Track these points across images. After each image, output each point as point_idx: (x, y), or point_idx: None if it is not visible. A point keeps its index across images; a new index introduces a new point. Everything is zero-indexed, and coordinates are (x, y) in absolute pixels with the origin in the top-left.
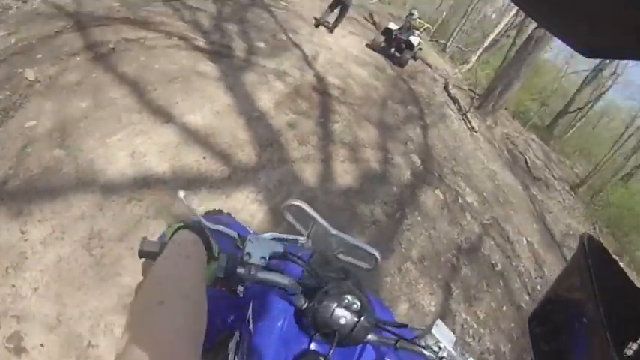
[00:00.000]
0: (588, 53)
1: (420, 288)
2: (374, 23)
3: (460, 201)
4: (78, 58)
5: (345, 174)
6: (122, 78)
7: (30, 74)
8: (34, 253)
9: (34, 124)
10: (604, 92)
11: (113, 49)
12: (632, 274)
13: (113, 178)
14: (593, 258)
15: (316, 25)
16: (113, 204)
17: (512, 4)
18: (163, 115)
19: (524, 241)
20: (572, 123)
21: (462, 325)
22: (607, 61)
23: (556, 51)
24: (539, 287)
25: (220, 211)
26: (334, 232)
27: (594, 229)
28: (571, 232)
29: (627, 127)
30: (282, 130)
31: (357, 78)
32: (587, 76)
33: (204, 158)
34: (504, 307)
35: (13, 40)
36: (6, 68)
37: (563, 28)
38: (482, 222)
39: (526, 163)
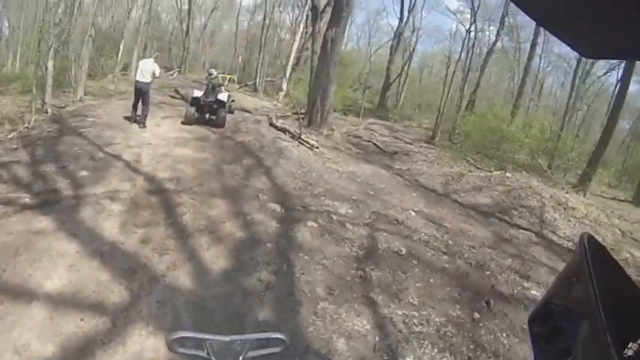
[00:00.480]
0: (588, 53)
1: (344, 318)
2: (182, 97)
3: (335, 217)
4: None
5: (216, 259)
6: None
7: None
8: None
9: None
10: (413, 50)
11: None
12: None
13: None
14: (592, 258)
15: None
16: None
17: (309, 19)
18: (24, 294)
19: (412, 213)
20: (400, 89)
21: (405, 322)
22: (404, 24)
23: (355, 37)
24: (450, 241)
25: None
26: (228, 338)
27: (467, 162)
28: (450, 178)
29: (448, 66)
30: (138, 250)
31: (185, 160)
32: (392, 44)
33: (82, 320)
34: (431, 280)
35: None
36: None
37: (563, 29)
38: (365, 222)
39: (376, 146)
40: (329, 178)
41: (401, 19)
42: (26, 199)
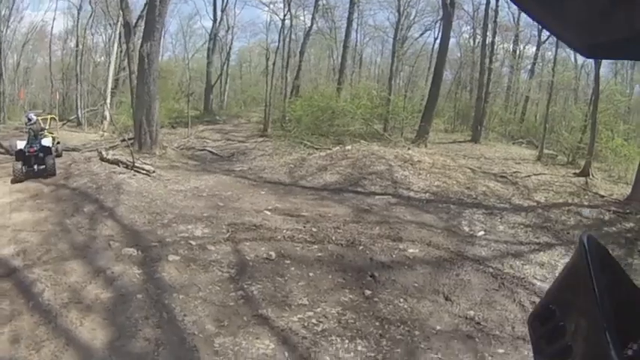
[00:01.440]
0: (588, 53)
1: (246, 346)
2: (6, 152)
3: (194, 243)
4: None
5: (93, 332)
6: None
7: None
8: None
9: None
10: (230, 48)
11: None
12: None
13: None
14: (593, 258)
15: None
16: None
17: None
18: None
19: (268, 213)
20: (222, 89)
21: (305, 326)
22: (218, 24)
23: (171, 46)
24: (313, 229)
25: None
26: None
27: (305, 145)
28: (293, 165)
29: (267, 57)
30: (11, 354)
31: (25, 226)
32: (209, 47)
33: None
34: (310, 274)
35: None
36: None
37: (563, 29)
38: (225, 238)
39: (212, 152)
40: (175, 202)
41: (214, 19)
42: None
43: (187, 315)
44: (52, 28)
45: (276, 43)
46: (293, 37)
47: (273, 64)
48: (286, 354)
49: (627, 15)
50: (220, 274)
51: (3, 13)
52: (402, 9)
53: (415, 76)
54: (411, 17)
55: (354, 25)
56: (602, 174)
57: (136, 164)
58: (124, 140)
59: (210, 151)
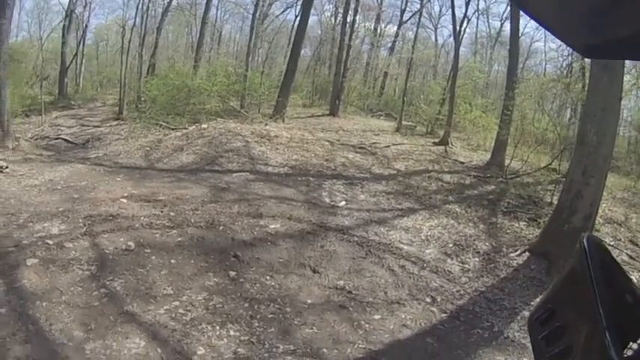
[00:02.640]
0: (588, 53)
1: (117, 347)
2: None
3: (50, 242)
4: None
5: None
6: None
7: None
8: None
9: None
10: (86, 26)
11: None
12: None
13: None
14: (593, 258)
15: None
16: None
17: None
18: None
19: (124, 201)
20: (78, 71)
21: (173, 317)
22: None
23: (26, 25)
24: (171, 213)
25: None
26: None
27: (161, 126)
28: (149, 148)
29: (123, 35)
30: None
31: None
32: (64, 25)
33: None
34: (172, 261)
35: None
36: None
37: (563, 29)
38: (82, 233)
39: (66, 141)
40: (29, 198)
41: None
42: None
43: (54, 323)
44: None
45: (133, 20)
46: (152, 13)
47: (129, 41)
48: (159, 350)
49: (627, 15)
50: (81, 273)
51: None
52: None
53: (274, 53)
54: None
55: (215, 1)
56: (461, 143)
57: None
58: None
59: (65, 139)
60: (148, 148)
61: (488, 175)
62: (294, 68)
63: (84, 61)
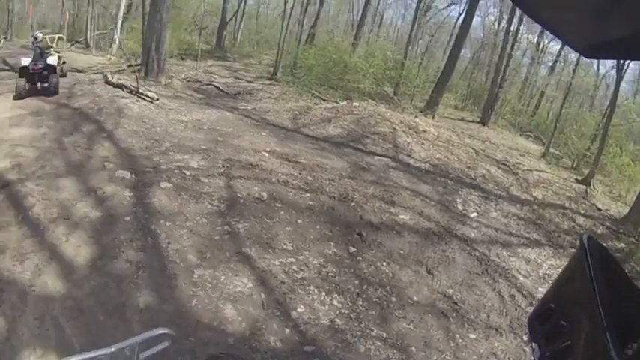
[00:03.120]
0: (589, 53)
1: (224, 281)
2: (11, 68)
3: (188, 173)
4: None
5: (78, 249)
6: None
7: None
8: None
9: None
10: None
11: None
12: None
13: None
14: (593, 258)
15: None
16: None
17: None
18: None
19: (266, 154)
20: (237, 27)
21: (285, 271)
22: None
23: None
24: (309, 178)
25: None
26: (114, 348)
27: (312, 94)
28: (298, 112)
29: (285, 2)
30: None
31: (23, 142)
32: None
33: None
34: (299, 221)
35: None
36: None
37: (564, 29)
38: (219, 172)
39: (218, 88)
40: (174, 131)
41: None
42: None
43: (171, 243)
44: None
45: None
46: None
47: (291, 8)
48: (262, 295)
49: (627, 15)
50: (209, 207)
51: None
52: None
53: (434, 47)
54: None
55: None
56: (603, 188)
57: (140, 90)
58: (130, 65)
59: (217, 87)
60: (296, 112)
61: (621, 230)
62: (452, 67)
63: (244, 19)
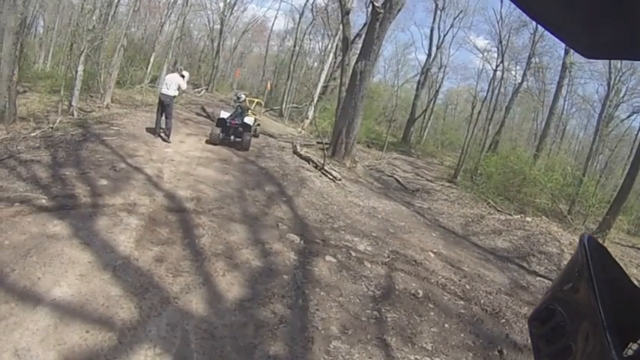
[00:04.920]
0: (588, 54)
1: (356, 359)
2: (208, 116)
3: (353, 254)
4: None
5: (231, 286)
6: None
7: None
8: None
9: None
10: (439, 87)
11: None
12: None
13: None
14: (593, 258)
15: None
16: None
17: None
18: (30, 297)
19: (432, 255)
20: (424, 125)
21: None
22: (432, 60)
23: (383, 70)
24: (467, 286)
25: None
26: None
27: (488, 203)
28: (470, 219)
29: (473, 105)
30: (151, 268)
31: (207, 181)
32: (419, 80)
33: (87, 332)
34: (446, 325)
35: None
36: None
37: (563, 29)
38: (383, 261)
39: (398, 182)
40: (350, 212)
41: (429, 54)
42: (43, 200)
43: (319, 310)
44: (273, 25)
45: (485, 93)
46: (502, 90)
47: (478, 113)
48: None
49: (627, 15)
50: (365, 290)
51: (228, 0)
52: (612, 82)
53: (613, 162)
54: (621, 94)
55: (563, 91)
56: None
57: (325, 167)
58: (320, 142)
59: (397, 180)
60: (469, 219)
61: None
62: (630, 186)
63: (431, 117)
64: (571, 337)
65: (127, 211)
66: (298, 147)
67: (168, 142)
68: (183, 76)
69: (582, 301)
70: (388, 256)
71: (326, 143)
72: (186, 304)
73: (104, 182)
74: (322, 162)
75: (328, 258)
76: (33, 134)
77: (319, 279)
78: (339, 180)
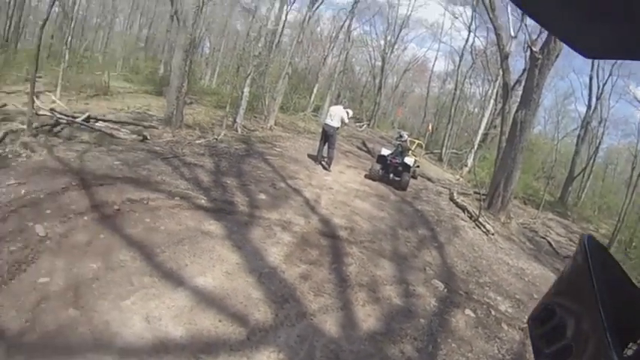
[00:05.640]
0: (590, 54)
1: None
2: (368, 151)
3: (493, 313)
4: (85, 218)
5: (367, 317)
6: (130, 240)
7: (40, 230)
8: None
9: (47, 281)
10: (599, 144)
11: (118, 209)
12: None
13: (130, 341)
14: (593, 258)
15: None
16: None
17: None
18: (174, 278)
19: None
20: (582, 185)
21: None
22: (591, 112)
23: (543, 121)
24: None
25: None
26: None
27: (638, 280)
28: None
29: (633, 167)
30: (295, 283)
31: (362, 213)
32: (579, 134)
33: (220, 321)
34: None
35: (22, 191)
36: (17, 220)
37: (563, 29)
38: (521, 327)
39: (550, 245)
40: (497, 270)
41: (588, 106)
42: (202, 200)
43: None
44: (433, 66)
45: None
46: None
47: (638, 176)
48: None
49: (627, 14)
50: (496, 352)
51: (389, 38)
52: None
53: None
54: None
55: None
56: None
57: (479, 219)
58: (477, 192)
59: (550, 243)
60: None
61: None
62: None
63: (590, 177)
64: (571, 337)
65: (282, 227)
66: (455, 194)
67: (329, 171)
68: (347, 113)
69: (582, 301)
70: (527, 323)
71: (483, 194)
72: (321, 322)
73: (263, 197)
74: (477, 213)
75: (467, 312)
76: (198, 141)
77: (454, 330)
78: (492, 234)
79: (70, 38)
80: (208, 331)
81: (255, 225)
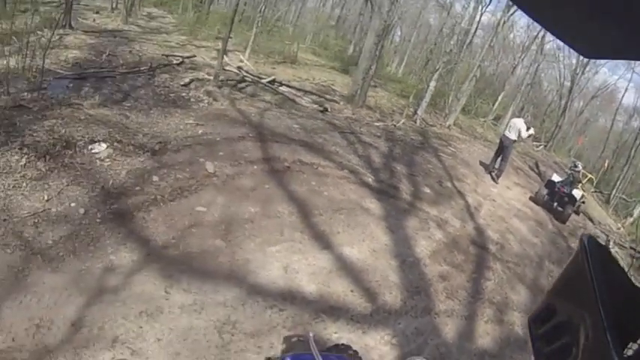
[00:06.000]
0: (589, 53)
1: None
2: (539, 173)
3: None
4: (255, 167)
5: (485, 335)
6: (292, 196)
7: (210, 167)
8: (170, 312)
9: (204, 211)
10: None
11: (288, 167)
12: None
13: (263, 283)
14: (593, 258)
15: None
16: (256, 304)
17: None
18: (323, 240)
19: None
20: None
21: None
22: None
23: None
24: None
25: (348, 347)
26: None
27: None
28: None
29: None
30: (433, 280)
31: (516, 233)
32: None
33: (351, 291)
34: None
35: (200, 131)
36: (189, 153)
37: (564, 29)
38: None
39: None
40: None
41: None
42: (369, 179)
43: None
44: (622, 97)
45: None
46: None
47: None
48: None
49: (627, 15)
50: None
51: (581, 58)
52: None
53: None
54: None
55: None
56: None
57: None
58: (632, 249)
59: None
60: None
61: None
62: None
63: None
64: (571, 337)
65: (437, 224)
66: (611, 243)
67: (496, 183)
68: (528, 128)
69: (582, 301)
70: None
71: (638, 251)
72: (442, 324)
73: (427, 190)
74: (627, 269)
75: None
76: (376, 124)
77: None
78: None
79: (263, 7)
80: (338, 296)
81: (413, 215)
